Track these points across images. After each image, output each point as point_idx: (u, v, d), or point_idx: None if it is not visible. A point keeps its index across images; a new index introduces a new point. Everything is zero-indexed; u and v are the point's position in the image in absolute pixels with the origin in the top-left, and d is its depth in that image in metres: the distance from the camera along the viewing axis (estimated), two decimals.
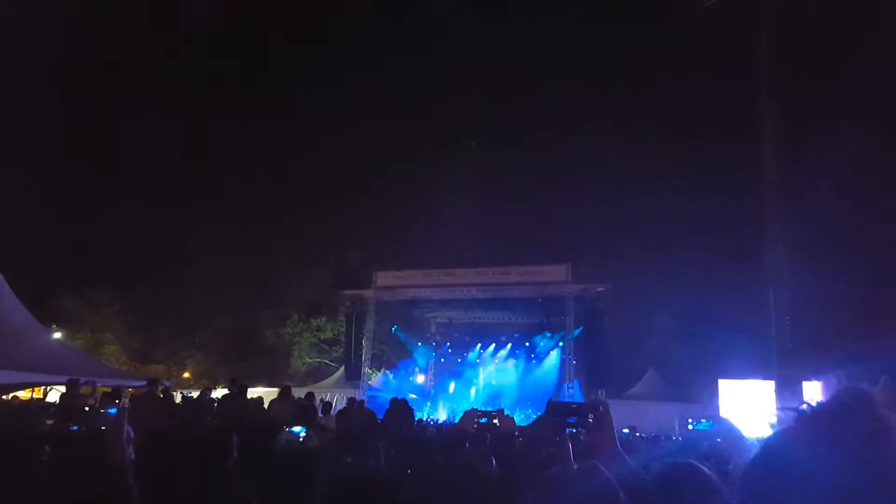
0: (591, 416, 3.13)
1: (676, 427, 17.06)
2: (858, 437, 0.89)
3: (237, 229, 38.56)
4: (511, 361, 25.28)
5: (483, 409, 14.89)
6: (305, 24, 47.77)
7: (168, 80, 45.90)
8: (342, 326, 28.35)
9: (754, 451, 1.03)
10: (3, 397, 12.88)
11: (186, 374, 33.96)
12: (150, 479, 2.24)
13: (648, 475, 1.92)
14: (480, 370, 25.50)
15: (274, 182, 47.08)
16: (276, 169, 46.19)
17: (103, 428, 2.57)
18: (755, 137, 15.15)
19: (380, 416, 10.68)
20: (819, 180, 19.86)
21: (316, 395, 12.05)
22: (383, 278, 22.78)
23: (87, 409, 7.88)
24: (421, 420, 14.72)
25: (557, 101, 44.51)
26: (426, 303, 24.14)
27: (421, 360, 27.08)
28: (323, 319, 33.23)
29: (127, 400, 10.00)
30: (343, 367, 24.52)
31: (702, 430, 14.42)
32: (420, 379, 27.13)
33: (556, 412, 3.25)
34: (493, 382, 24.99)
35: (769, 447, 1.02)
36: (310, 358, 33.72)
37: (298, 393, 11.88)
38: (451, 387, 25.52)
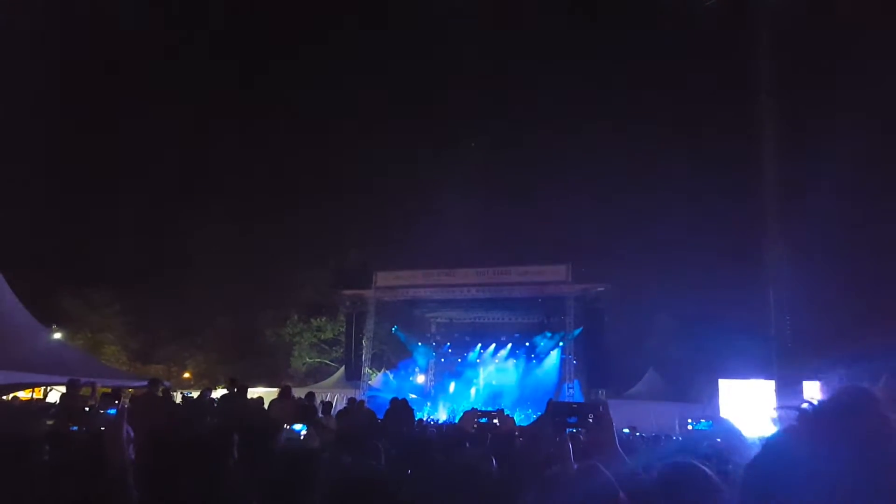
0: (590, 416, 3.14)
1: (677, 427, 17.05)
2: (860, 436, 0.89)
3: (237, 229, 38.57)
4: (511, 361, 25.28)
5: (483, 409, 14.91)
6: (305, 24, 47.78)
7: (168, 80, 45.91)
8: (342, 326, 28.36)
9: (755, 451, 1.03)
10: (4, 397, 12.88)
11: (187, 375, 33.98)
12: (150, 479, 2.24)
13: (649, 475, 1.92)
14: (481, 370, 25.50)
15: (274, 182, 47.09)
16: (276, 169, 46.18)
17: (103, 428, 2.57)
18: (755, 137, 15.16)
19: (380, 416, 10.67)
20: (819, 180, 19.85)
21: (316, 395, 12.05)
22: (383, 278, 22.78)
23: (87, 409, 7.88)
24: (421, 420, 14.72)
25: (557, 101, 44.51)
26: (426, 303, 24.14)
27: (421, 360, 27.09)
28: (323, 319, 33.24)
29: (127, 400, 10.01)
30: (343, 368, 24.52)
31: (701, 430, 14.40)
32: (420, 379, 27.14)
33: (556, 412, 3.25)
34: (494, 382, 24.98)
35: (771, 446, 1.01)
36: (310, 358, 33.73)
37: (299, 393, 11.87)
38: (452, 387, 25.51)
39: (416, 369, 27.24)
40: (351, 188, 44.98)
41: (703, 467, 1.79)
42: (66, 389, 8.99)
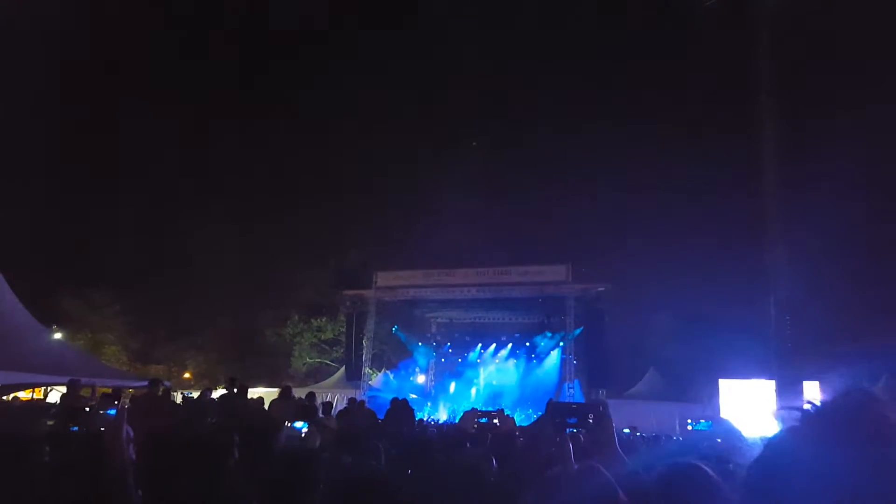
0: (590, 416, 3.14)
1: (677, 427, 17.05)
2: (863, 438, 0.89)
3: (237, 229, 38.56)
4: (511, 361, 25.28)
5: (484, 409, 14.95)
6: (305, 24, 47.76)
7: (168, 80, 45.91)
8: (343, 327, 28.36)
9: (756, 451, 1.03)
10: (4, 398, 12.88)
11: (187, 375, 33.99)
12: (150, 479, 2.24)
13: (651, 475, 1.92)
14: (481, 370, 25.49)
15: (274, 182, 47.07)
16: (276, 169, 46.17)
17: (103, 429, 2.57)
18: (755, 137, 15.15)
19: (380, 416, 10.68)
20: (819, 180, 19.86)
21: (317, 395, 12.05)
22: (384, 278, 22.77)
23: (87, 409, 7.87)
24: (421, 420, 14.72)
25: (557, 101, 44.51)
26: (427, 303, 24.14)
27: (421, 361, 27.08)
28: (323, 320, 33.25)
29: (127, 400, 10.01)
30: (343, 368, 24.51)
31: (701, 430, 14.41)
32: (421, 379, 27.13)
33: (556, 413, 3.25)
34: (494, 382, 24.98)
35: (773, 447, 1.01)
36: (310, 358, 33.73)
37: (299, 393, 11.88)
38: (452, 387, 25.51)
39: (417, 369, 27.24)
40: (351, 188, 45.04)
41: (705, 467, 1.79)
42: (67, 390, 9.00)
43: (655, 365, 26.16)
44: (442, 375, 26.32)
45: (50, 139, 37.16)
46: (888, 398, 0.94)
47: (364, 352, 22.77)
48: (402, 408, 10.43)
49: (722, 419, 13.77)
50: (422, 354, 26.91)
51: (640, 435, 14.88)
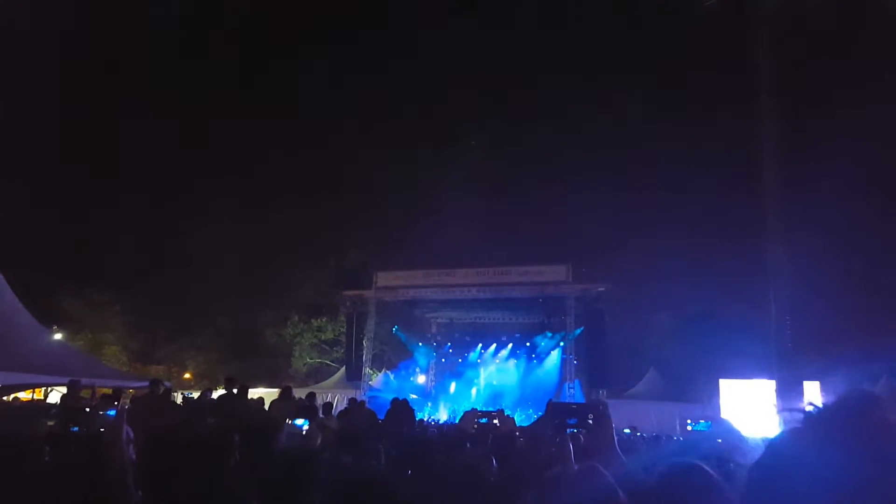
0: (590, 416, 3.14)
1: (677, 427, 17.06)
2: (864, 440, 0.89)
3: (237, 229, 38.56)
4: (512, 361, 25.28)
5: (484, 409, 14.94)
6: (305, 24, 47.79)
7: (168, 80, 45.90)
8: (343, 327, 28.36)
9: (758, 452, 1.03)
10: (4, 398, 12.89)
11: (187, 375, 33.98)
12: (150, 479, 2.24)
13: (651, 475, 1.92)
14: (481, 370, 25.49)
15: (274, 182, 47.02)
16: (276, 169, 46.17)
17: (102, 429, 2.57)
18: (755, 137, 15.15)
19: (381, 416, 10.68)
20: (820, 180, 19.87)
21: (317, 395, 12.05)
22: (384, 278, 22.77)
23: (87, 410, 7.88)
24: (422, 420, 14.72)
25: (557, 101, 44.50)
26: (427, 303, 24.14)
27: (422, 361, 27.07)
28: (324, 320, 33.24)
29: (127, 401, 10.01)
30: (344, 368, 24.51)
31: (700, 430, 14.41)
32: (421, 379, 27.13)
33: (555, 413, 3.25)
34: (494, 382, 24.97)
35: (774, 448, 1.01)
36: (311, 358, 33.73)
37: (299, 393, 11.88)
38: (452, 387, 25.50)
39: (417, 369, 27.23)
40: (351, 188, 44.98)
41: (706, 467, 1.79)
42: (67, 390, 9.00)
43: (656, 365, 26.16)
44: (442, 375, 26.31)
45: (50, 139, 37.22)
46: (889, 399, 0.94)
47: (364, 352, 22.77)
48: (402, 408, 10.43)
49: (721, 419, 13.77)
50: (422, 354, 26.91)
51: (641, 435, 14.88)
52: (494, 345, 25.47)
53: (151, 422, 5.92)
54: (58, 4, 30.76)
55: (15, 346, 11.95)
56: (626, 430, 14.93)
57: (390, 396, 12.64)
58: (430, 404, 23.80)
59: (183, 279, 35.50)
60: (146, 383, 11.36)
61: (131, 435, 2.21)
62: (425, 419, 17.58)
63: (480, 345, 25.65)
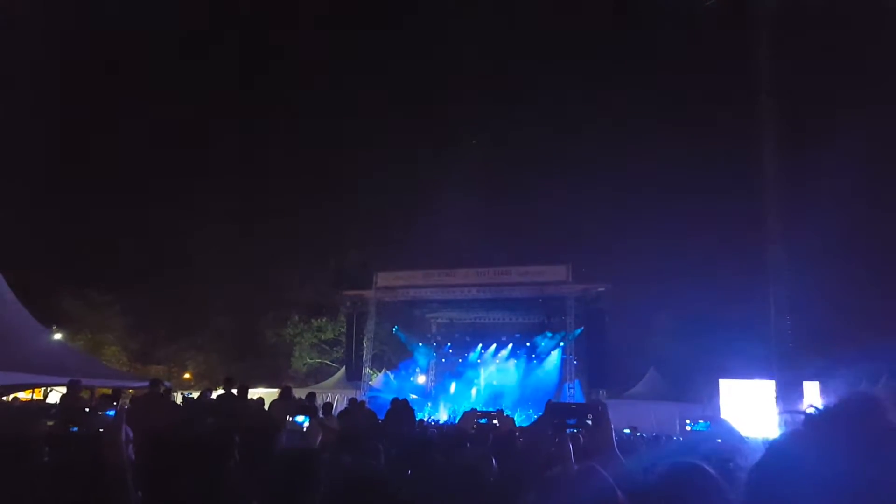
0: (589, 416, 3.14)
1: (677, 427, 17.06)
2: (866, 442, 0.89)
3: (237, 229, 38.57)
4: (512, 362, 25.27)
5: (484, 409, 14.94)
6: (305, 24, 47.78)
7: (168, 80, 45.91)
8: (343, 327, 28.34)
9: (759, 453, 1.03)
10: (4, 398, 12.89)
11: (187, 375, 33.96)
12: (150, 479, 2.24)
13: (651, 475, 1.92)
14: (481, 370, 25.48)
15: (274, 182, 47.01)
16: (276, 169, 46.16)
17: (101, 430, 2.57)
18: (755, 137, 15.15)
19: (381, 416, 10.67)
20: (820, 180, 19.86)
21: (317, 395, 12.05)
22: (384, 279, 22.77)
23: (86, 410, 7.88)
24: (422, 420, 14.72)
25: (557, 101, 44.51)
26: (427, 303, 24.14)
27: (422, 361, 27.07)
28: (324, 320, 33.24)
29: (127, 401, 10.01)
30: (344, 368, 24.51)
31: (699, 430, 14.41)
32: (421, 379, 27.12)
33: (554, 413, 3.25)
34: (495, 383, 24.97)
35: (775, 449, 1.01)
36: (311, 359, 33.73)
37: (299, 394, 11.88)
38: (453, 387, 25.49)
39: (417, 370, 27.23)
40: (351, 188, 44.97)
41: (707, 467, 1.78)
42: (67, 390, 8.99)
43: (656, 365, 26.15)
44: (442, 376, 26.31)
45: (50, 139, 37.22)
46: (889, 400, 0.94)
47: (364, 352, 22.77)
48: (402, 408, 10.43)
49: (721, 419, 13.78)
50: (422, 355, 26.91)
51: (641, 435, 14.88)
52: (494, 345, 25.47)
53: (151, 422, 5.92)
54: (58, 4, 30.76)
55: (15, 347, 11.95)
56: (626, 431, 14.92)
57: (390, 396, 12.63)
58: (430, 404, 23.79)
59: (183, 279, 35.54)
60: (146, 383, 11.35)
61: (130, 435, 2.20)
62: (425, 419, 17.58)
63: (480, 345, 25.64)
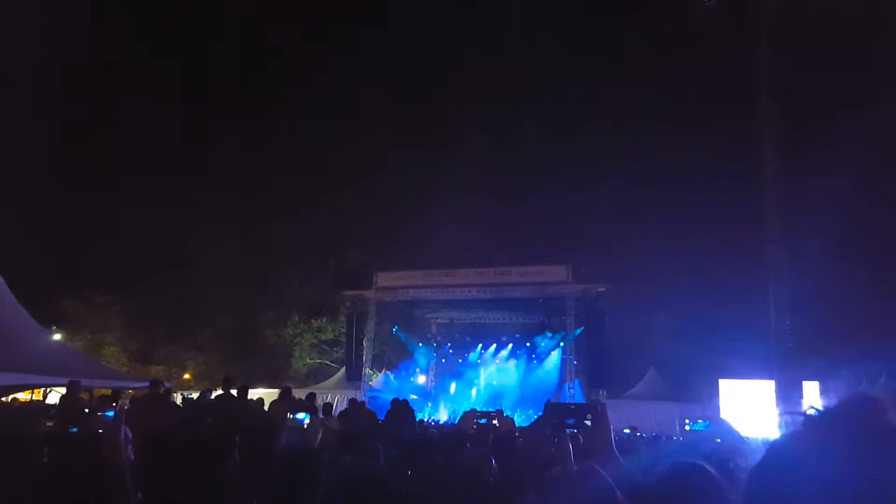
0: (588, 416, 3.14)
1: (677, 427, 17.07)
2: (867, 444, 0.89)
3: (237, 229, 38.53)
4: (512, 362, 25.27)
5: (484, 409, 14.95)
6: (305, 24, 47.75)
7: (168, 80, 45.91)
8: (343, 327, 28.35)
9: (759, 453, 1.02)
10: (3, 399, 12.88)
11: (187, 376, 33.95)
12: (150, 480, 2.23)
13: (651, 475, 1.92)
14: (481, 370, 25.48)
15: (274, 182, 46.97)
16: (276, 169, 46.12)
17: (100, 431, 2.57)
18: (755, 137, 15.16)
19: (381, 416, 10.67)
20: (820, 180, 19.87)
21: (317, 396, 12.05)
22: (384, 279, 22.77)
23: (86, 410, 7.87)
24: (422, 421, 14.71)
25: (557, 101, 44.51)
26: (427, 303, 24.14)
27: (422, 361, 27.07)
28: (324, 320, 33.24)
29: (126, 402, 10.01)
30: (344, 368, 24.51)
31: (698, 430, 14.41)
32: (421, 379, 27.12)
33: (553, 414, 3.25)
34: (495, 383, 24.97)
35: (776, 450, 1.01)
36: (311, 359, 33.73)
37: (299, 394, 11.89)
38: (453, 387, 25.50)
39: (417, 370, 27.23)
40: (351, 188, 44.86)
41: (708, 467, 1.78)
42: (66, 391, 8.99)
43: (656, 365, 26.15)
44: (442, 376, 26.31)
45: (50, 139, 37.21)
46: (889, 401, 0.93)
47: (364, 352, 22.77)
48: (402, 408, 10.42)
49: (720, 419, 13.77)
50: (422, 355, 26.91)
51: (641, 435, 14.88)
52: (494, 345, 25.48)
53: (151, 422, 5.92)
54: (58, 4, 30.76)
55: (14, 347, 11.93)
56: (626, 431, 14.93)
57: (390, 397, 12.63)
58: (430, 405, 23.79)
59: (183, 279, 35.49)
60: (146, 384, 11.35)
61: (129, 436, 2.20)
62: (425, 419, 17.58)
63: (480, 345, 25.65)
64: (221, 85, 48.11)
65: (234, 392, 9.80)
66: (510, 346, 25.29)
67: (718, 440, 5.48)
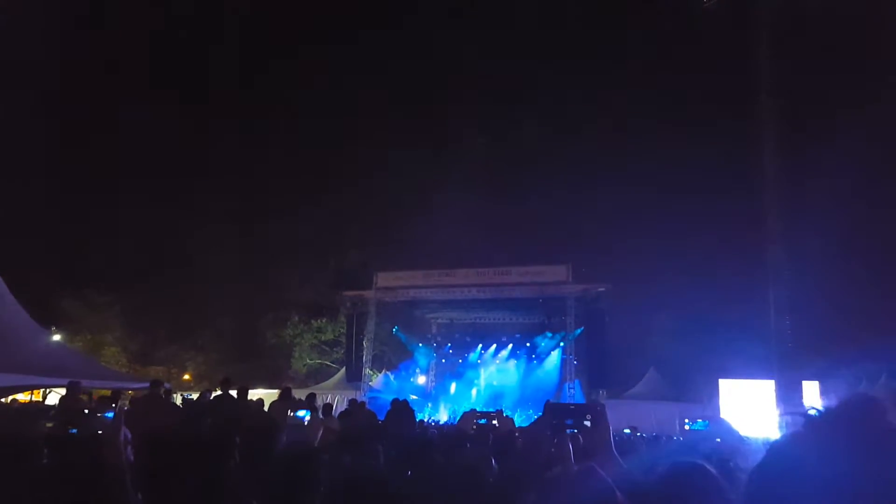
0: (588, 417, 3.14)
1: (677, 427, 17.07)
2: (867, 445, 0.88)
3: (237, 229, 38.52)
4: (512, 362, 25.27)
5: (484, 409, 14.95)
6: (305, 24, 47.77)
7: (168, 80, 45.89)
8: (343, 327, 28.34)
9: (760, 453, 1.02)
10: (3, 400, 12.88)
11: (187, 376, 33.94)
12: (149, 480, 2.23)
13: (651, 475, 1.91)
14: (482, 371, 25.48)
15: (274, 182, 46.95)
16: (276, 169, 46.11)
17: (100, 432, 2.57)
18: (755, 137, 15.16)
19: (381, 417, 10.66)
20: (820, 180, 19.87)
21: (317, 396, 12.05)
22: (384, 279, 22.77)
23: (86, 411, 7.87)
24: (422, 421, 14.71)
25: (557, 101, 44.50)
26: (427, 303, 24.14)
27: (422, 361, 27.06)
28: (324, 320, 33.23)
29: (126, 402, 10.00)
30: (344, 369, 24.51)
31: (698, 429, 14.41)
32: (421, 380, 27.11)
33: (552, 414, 3.24)
34: (495, 383, 24.97)
35: (777, 450, 1.01)
36: (310, 359, 33.73)
37: (299, 394, 11.88)
38: (453, 387, 25.50)
39: (417, 370, 27.22)
40: (351, 188, 44.84)
41: (708, 467, 1.78)
42: (66, 392, 8.99)
43: (656, 365, 26.15)
44: (442, 376, 26.31)
45: (50, 139, 37.20)
46: (890, 402, 0.93)
47: (364, 353, 22.76)
48: (402, 409, 10.41)
49: (720, 418, 13.77)
50: (422, 355, 26.90)
51: (641, 435, 14.88)
52: (494, 345, 25.48)
53: (150, 423, 5.91)
54: (58, 4, 30.77)
55: (13, 348, 11.93)
56: (626, 431, 14.93)
57: (390, 397, 12.62)
58: (430, 405, 23.78)
59: (183, 279, 35.47)
60: (145, 385, 11.34)
61: (129, 436, 2.20)
62: (425, 420, 17.57)
63: (480, 345, 25.65)
64: (221, 85, 48.11)
65: (232, 393, 9.79)
66: (510, 346, 25.28)
67: (718, 440, 5.48)
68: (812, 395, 15.13)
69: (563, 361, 21.92)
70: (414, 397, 20.94)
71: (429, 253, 27.11)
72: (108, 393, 11.03)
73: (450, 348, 26.52)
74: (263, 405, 10.80)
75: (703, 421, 14.67)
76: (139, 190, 39.60)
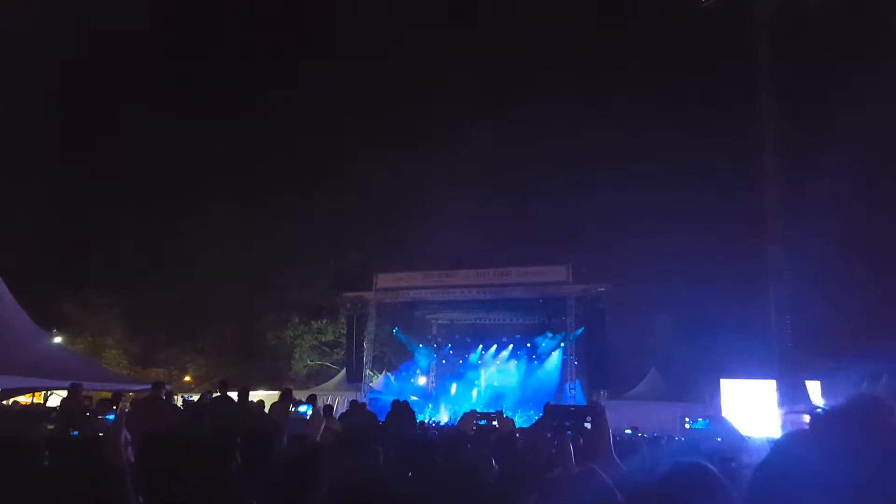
0: (587, 418, 3.14)
1: (678, 427, 17.06)
2: (870, 442, 0.89)
3: (237, 229, 38.51)
4: (513, 362, 25.26)
5: (484, 410, 14.95)
6: (305, 24, 47.77)
7: (168, 80, 45.89)
8: (343, 329, 28.36)
9: (763, 452, 1.02)
10: (4, 402, 12.88)
11: (187, 378, 33.93)
12: (151, 482, 2.23)
13: (653, 475, 1.91)
14: (482, 371, 25.47)
15: (273, 182, 46.95)
16: (276, 168, 46.10)
17: (101, 434, 2.57)
18: (755, 137, 15.17)
19: (381, 418, 10.66)
20: (820, 180, 19.87)
21: (318, 397, 12.05)
22: (384, 280, 22.78)
23: (87, 413, 7.87)
24: (422, 422, 14.70)
25: (557, 101, 44.46)
26: (427, 304, 24.14)
27: (422, 362, 27.06)
28: (324, 322, 33.25)
29: (127, 404, 10.00)
30: (344, 370, 24.52)
31: (699, 429, 14.40)
32: (421, 381, 27.10)
33: (552, 416, 3.25)
34: (495, 384, 24.96)
35: (779, 449, 1.01)
36: (311, 360, 33.73)
37: (300, 395, 11.89)
38: (453, 388, 25.49)
39: (418, 371, 27.21)
40: (351, 188, 44.83)
41: (711, 466, 1.78)
42: (68, 394, 8.99)
43: (656, 365, 26.13)
44: (443, 377, 26.30)
45: (50, 139, 37.21)
46: (893, 401, 0.93)
47: (365, 354, 22.77)
48: (402, 410, 10.41)
49: (721, 418, 13.77)
50: (423, 356, 26.90)
51: (642, 435, 14.87)
52: (495, 346, 25.47)
53: (151, 424, 5.91)
54: (58, 4, 30.78)
55: (14, 350, 11.92)
56: (628, 431, 14.92)
57: (391, 398, 12.62)
58: (430, 406, 23.78)
59: (183, 280, 35.47)
60: (147, 387, 11.35)
61: (129, 438, 2.20)
62: (426, 421, 17.57)
63: (481, 346, 25.64)
64: (221, 85, 48.11)
65: (231, 395, 9.79)
66: (510, 346, 25.27)
67: (719, 439, 5.48)
68: (813, 395, 15.12)
69: (564, 362, 21.91)
70: (414, 398, 20.93)
71: (429, 253, 27.15)
72: (110, 395, 11.04)
73: (450, 349, 26.52)
74: (264, 406, 10.80)
75: (704, 420, 14.68)
76: (139, 190, 39.69)
